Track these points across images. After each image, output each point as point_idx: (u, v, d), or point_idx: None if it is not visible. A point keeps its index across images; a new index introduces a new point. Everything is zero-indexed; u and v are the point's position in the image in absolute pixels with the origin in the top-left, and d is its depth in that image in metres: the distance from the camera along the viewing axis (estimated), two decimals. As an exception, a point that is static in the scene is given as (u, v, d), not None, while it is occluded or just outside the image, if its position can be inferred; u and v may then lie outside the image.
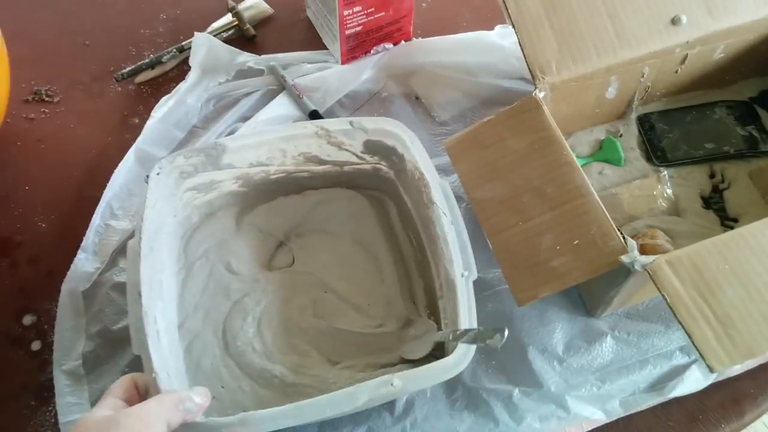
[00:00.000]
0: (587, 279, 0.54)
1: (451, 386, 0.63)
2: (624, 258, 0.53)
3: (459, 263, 0.56)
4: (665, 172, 0.69)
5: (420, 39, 0.85)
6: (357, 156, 0.65)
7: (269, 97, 0.81)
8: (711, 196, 0.69)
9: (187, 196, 0.63)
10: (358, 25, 0.79)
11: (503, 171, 0.60)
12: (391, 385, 0.50)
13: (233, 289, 0.64)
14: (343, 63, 0.83)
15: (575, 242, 0.55)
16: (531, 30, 0.63)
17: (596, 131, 0.73)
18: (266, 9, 0.90)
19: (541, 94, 0.62)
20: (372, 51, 0.84)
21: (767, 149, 0.70)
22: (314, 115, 0.79)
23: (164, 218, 0.60)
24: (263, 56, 0.84)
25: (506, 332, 0.49)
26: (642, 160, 0.70)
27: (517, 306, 0.55)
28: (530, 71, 0.63)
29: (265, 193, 0.67)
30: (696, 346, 0.49)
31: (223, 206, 0.67)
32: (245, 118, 0.79)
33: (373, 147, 0.64)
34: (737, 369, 0.64)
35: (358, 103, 0.81)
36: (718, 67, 0.71)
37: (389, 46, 0.84)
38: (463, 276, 0.55)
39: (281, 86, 0.82)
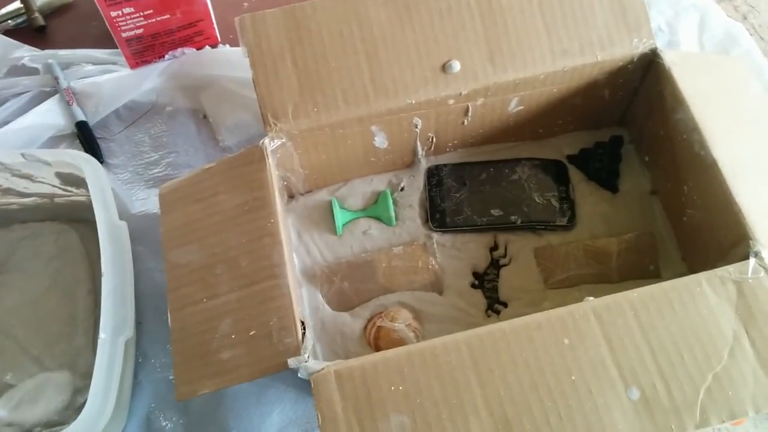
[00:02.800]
0: (254, 379, 0.47)
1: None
2: (291, 361, 0.46)
3: (108, 322, 0.50)
4: (435, 240, 0.61)
5: (219, 47, 0.76)
6: (60, 188, 0.58)
7: (40, 100, 0.73)
8: (487, 273, 0.61)
9: None
10: (137, 27, 0.70)
11: (206, 233, 0.53)
12: None
13: None
14: (131, 67, 0.75)
15: (251, 333, 0.49)
16: (268, 64, 0.56)
17: (377, 181, 0.65)
18: (64, -5, 0.82)
19: (272, 145, 0.55)
20: (168, 56, 0.75)
21: (562, 223, 0.61)
22: (81, 126, 0.71)
23: None
24: (45, 51, 0.76)
25: None
26: (418, 222, 0.63)
27: (176, 400, 0.48)
28: (261, 115, 0.55)
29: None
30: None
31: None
32: (5, 123, 0.71)
33: (70, 179, 0.58)
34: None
35: (137, 116, 0.73)
36: (521, 119, 0.63)
37: (190, 51, 0.76)
38: (102, 338, 0.49)
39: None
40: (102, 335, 0.50)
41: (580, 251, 0.61)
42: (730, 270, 0.48)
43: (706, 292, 0.47)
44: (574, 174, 0.66)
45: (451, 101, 0.58)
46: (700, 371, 0.45)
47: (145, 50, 0.74)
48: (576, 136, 0.68)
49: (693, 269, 0.60)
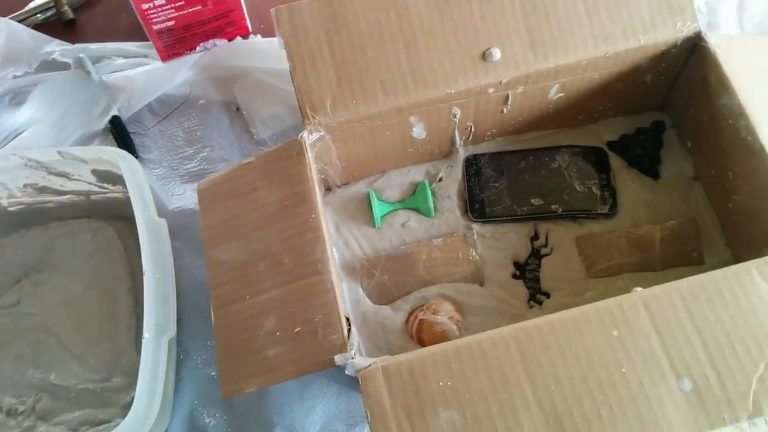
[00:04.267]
0: (300, 377, 0.48)
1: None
2: (338, 358, 0.47)
3: (151, 321, 0.51)
4: (475, 231, 0.61)
5: (251, 38, 0.76)
6: (96, 185, 0.59)
7: (73, 95, 0.74)
8: (528, 263, 0.61)
9: None
10: (169, 20, 0.71)
11: (246, 229, 0.54)
12: None
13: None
14: (163, 60, 0.76)
15: (297, 329, 0.49)
16: (305, 56, 0.56)
17: (414, 172, 0.65)
18: (91, -12, 0.82)
19: (310, 138, 0.55)
20: (199, 47, 0.76)
21: (604, 211, 0.61)
22: (114, 121, 0.72)
23: None
24: (75, 45, 0.77)
25: None
26: (457, 213, 0.63)
27: (223, 399, 0.49)
28: (300, 108, 0.55)
29: (3, 225, 0.61)
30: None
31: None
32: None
33: (106, 176, 0.59)
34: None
35: (170, 109, 0.74)
36: (561, 106, 0.63)
37: (221, 42, 0.76)
38: (145, 337, 0.50)
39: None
40: (146, 335, 0.51)
41: (622, 239, 0.61)
42: (781, 257, 0.47)
43: (756, 281, 0.47)
44: (615, 161, 0.65)
45: (491, 90, 0.57)
46: (752, 361, 0.45)
47: (177, 42, 0.75)
48: (616, 122, 0.67)
49: (737, 255, 0.60)
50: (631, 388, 0.45)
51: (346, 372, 0.47)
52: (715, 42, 0.56)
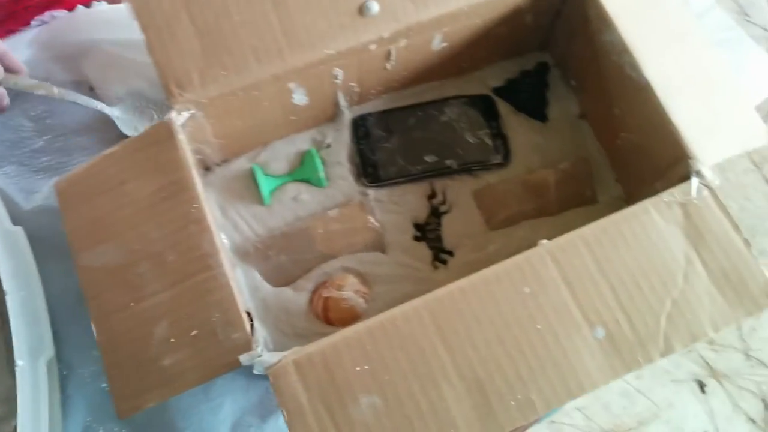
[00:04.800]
0: (204, 383, 0.44)
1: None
2: (243, 358, 0.43)
3: (22, 345, 0.46)
4: (371, 196, 0.58)
5: (95, 6, 0.68)
6: None
7: None
8: (428, 223, 0.59)
9: None
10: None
11: (119, 228, 0.48)
12: None
13: None
14: (-7, 38, 0.65)
15: (193, 333, 0.45)
16: (162, 26, 0.49)
17: (299, 140, 0.61)
18: None
19: (180, 119, 0.49)
20: (34, 21, 0.66)
21: (498, 161, 0.60)
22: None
23: None
24: None
25: None
26: (350, 179, 0.60)
27: (119, 419, 0.44)
28: (163, 86, 0.49)
29: None
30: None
31: None
32: None
33: None
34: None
35: (11, 93, 0.64)
36: (445, 56, 0.60)
37: (60, 13, 0.67)
38: (18, 365, 0.44)
39: None
40: (19, 362, 0.45)
41: (518, 187, 0.60)
42: (674, 193, 0.48)
43: (654, 219, 0.47)
44: (502, 107, 0.64)
45: (373, 46, 0.54)
46: (659, 299, 0.46)
47: (7, 18, 0.65)
48: (500, 67, 0.66)
49: (628, 191, 0.61)
50: (548, 344, 0.44)
51: (254, 371, 0.43)
52: (591, -22, 0.55)
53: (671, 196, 0.48)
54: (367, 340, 0.44)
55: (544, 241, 0.47)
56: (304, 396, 0.42)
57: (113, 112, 0.64)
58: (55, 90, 0.62)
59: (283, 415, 0.42)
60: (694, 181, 0.48)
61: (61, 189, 0.49)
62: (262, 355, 0.43)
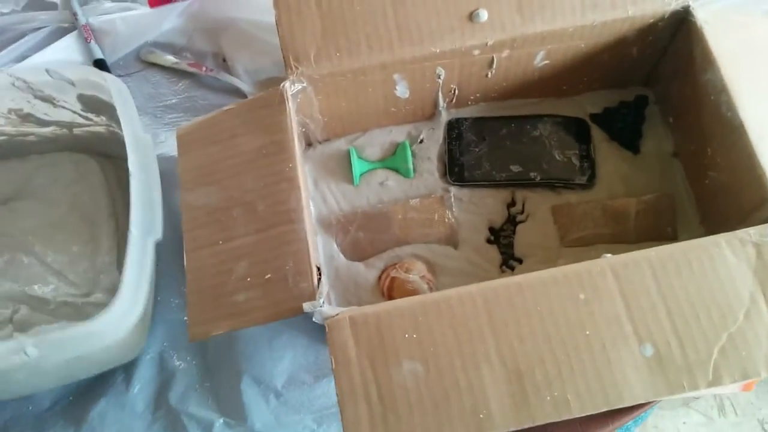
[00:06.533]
0: (268, 322, 0.48)
1: (158, 403, 0.58)
2: (306, 305, 0.46)
3: (138, 221, 0.51)
4: (452, 193, 0.60)
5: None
6: (81, 115, 0.59)
7: (59, 35, 0.73)
8: (503, 228, 0.61)
9: None
10: (157, -39, 0.69)
11: (224, 175, 0.53)
12: (25, 353, 0.44)
13: None
14: (151, 6, 0.74)
15: (267, 276, 0.49)
16: (291, 5, 0.55)
17: (396, 132, 0.65)
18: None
19: (292, 89, 0.54)
20: (187, -6, 0.74)
21: (582, 181, 0.61)
22: (99, 64, 0.70)
23: None
24: (63, -14, 0.75)
25: None
26: (436, 175, 0.62)
27: (189, 341, 0.48)
28: (283, 58, 0.54)
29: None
30: (343, 424, 0.43)
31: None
32: (24, 58, 0.71)
33: (91, 103, 0.58)
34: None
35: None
36: (546, 74, 0.62)
37: (209, -11, 0.74)
38: (132, 233, 0.50)
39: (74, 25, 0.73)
40: (133, 231, 0.50)
41: (598, 210, 0.61)
42: (750, 232, 0.47)
43: (724, 254, 0.47)
44: (597, 133, 0.65)
45: (477, 51, 0.56)
46: (714, 331, 0.45)
47: (165, -11, 0.73)
48: (600, 95, 0.67)
49: (711, 233, 0.60)
50: (593, 350, 0.45)
51: (314, 319, 0.46)
52: (702, 17, 0.56)
53: (747, 234, 0.47)
54: (420, 312, 0.46)
55: (608, 255, 0.47)
56: (354, 350, 0.45)
57: (246, 87, 0.71)
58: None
59: (331, 363, 0.45)
60: (774, 224, 0.47)
61: (181, 135, 0.55)
62: (323, 306, 0.47)
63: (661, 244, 0.60)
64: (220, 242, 0.51)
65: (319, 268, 0.49)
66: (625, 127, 0.64)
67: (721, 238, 0.47)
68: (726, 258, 0.47)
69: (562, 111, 0.66)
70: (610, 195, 0.62)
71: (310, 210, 0.60)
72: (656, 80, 0.65)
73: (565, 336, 0.45)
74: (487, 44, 0.56)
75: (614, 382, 0.44)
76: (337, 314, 0.46)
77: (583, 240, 0.60)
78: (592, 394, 0.44)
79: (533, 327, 0.45)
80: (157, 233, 0.53)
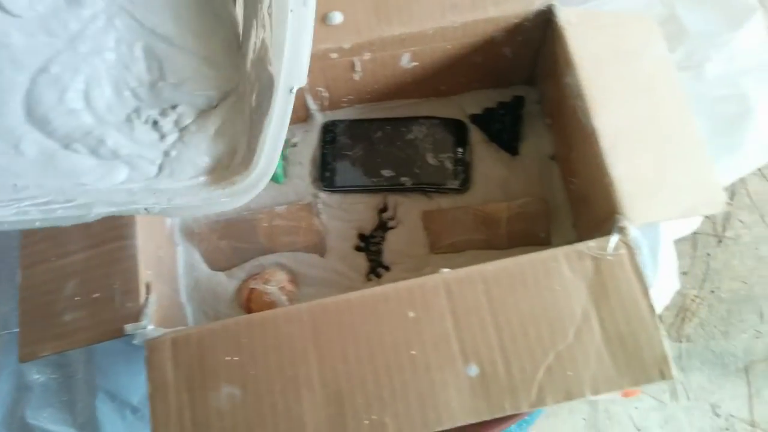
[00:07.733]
0: (91, 344, 0.46)
1: (12, 417, 0.56)
2: (129, 327, 0.45)
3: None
4: (321, 200, 0.59)
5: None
6: None
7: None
8: (373, 235, 0.59)
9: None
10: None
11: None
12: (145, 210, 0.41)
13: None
14: None
15: (95, 295, 0.47)
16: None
17: (268, 135, 0.62)
18: None
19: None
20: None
21: (454, 186, 0.59)
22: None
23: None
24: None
25: None
26: (307, 180, 0.61)
27: (19, 362, 0.47)
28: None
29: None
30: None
31: None
32: None
33: None
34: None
35: None
36: (418, 76, 0.60)
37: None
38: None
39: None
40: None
41: (469, 216, 0.59)
42: (590, 245, 0.46)
43: (561, 268, 0.45)
44: (476, 135, 0.63)
45: (334, 55, 0.54)
46: (542, 349, 0.43)
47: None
48: (482, 95, 0.64)
49: (581, 237, 0.58)
50: (417, 371, 0.43)
51: (135, 342, 0.45)
52: (565, 17, 0.53)
53: (586, 247, 0.46)
54: (245, 332, 0.44)
55: (446, 270, 0.46)
56: (172, 373, 0.43)
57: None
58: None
59: (148, 388, 0.43)
60: (614, 238, 0.45)
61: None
62: (146, 328, 0.45)
63: (534, 249, 0.59)
64: (54, 258, 0.49)
65: (149, 286, 0.47)
66: (503, 128, 0.62)
67: (560, 252, 0.46)
68: (562, 273, 0.45)
69: (441, 111, 0.64)
70: (485, 200, 0.60)
71: (173, 220, 0.58)
72: (536, 80, 0.63)
73: (389, 356, 0.43)
74: (343, 48, 0.53)
75: (435, 404, 0.42)
76: (160, 335, 0.44)
77: (454, 246, 0.59)
78: (410, 417, 0.42)
79: (359, 347, 0.44)
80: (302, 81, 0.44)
